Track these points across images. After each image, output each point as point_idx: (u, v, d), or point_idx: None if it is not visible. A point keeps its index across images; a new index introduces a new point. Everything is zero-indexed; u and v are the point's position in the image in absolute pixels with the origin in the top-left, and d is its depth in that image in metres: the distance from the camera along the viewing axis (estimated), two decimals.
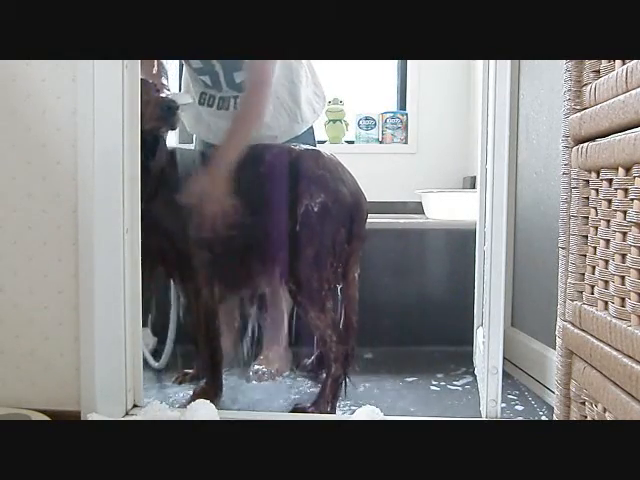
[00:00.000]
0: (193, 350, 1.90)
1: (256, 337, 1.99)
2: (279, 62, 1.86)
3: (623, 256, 0.82)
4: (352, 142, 3.51)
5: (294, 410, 1.64)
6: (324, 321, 1.65)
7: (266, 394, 1.79)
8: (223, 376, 1.75)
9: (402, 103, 3.55)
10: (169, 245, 1.66)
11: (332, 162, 1.72)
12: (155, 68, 1.82)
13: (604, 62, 0.90)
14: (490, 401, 1.49)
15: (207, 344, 1.72)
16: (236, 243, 1.67)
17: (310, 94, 1.98)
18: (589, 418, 0.93)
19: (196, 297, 1.70)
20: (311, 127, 2.02)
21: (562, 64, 1.04)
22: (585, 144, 0.94)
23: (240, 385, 1.86)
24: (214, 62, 1.85)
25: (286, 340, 2.03)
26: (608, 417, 0.85)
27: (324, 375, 1.71)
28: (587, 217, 0.96)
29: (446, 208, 2.64)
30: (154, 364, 1.98)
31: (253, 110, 1.79)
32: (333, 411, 1.63)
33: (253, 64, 1.77)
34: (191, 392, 1.73)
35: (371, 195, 1.85)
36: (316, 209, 1.63)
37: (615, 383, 0.82)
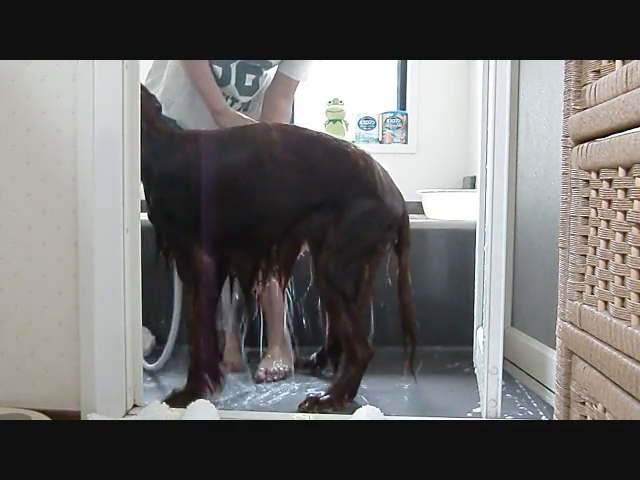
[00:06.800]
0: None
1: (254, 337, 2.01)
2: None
3: (623, 256, 0.82)
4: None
5: (307, 400, 1.63)
6: (351, 318, 1.66)
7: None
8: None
9: (402, 103, 3.55)
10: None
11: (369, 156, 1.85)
12: None
13: (604, 62, 0.90)
14: (490, 401, 1.49)
15: (195, 345, 1.69)
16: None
17: None
18: (589, 418, 0.93)
19: (194, 292, 1.69)
20: None
21: (562, 64, 1.04)
22: (585, 144, 0.94)
23: (250, 386, 1.86)
24: None
25: (288, 339, 2.03)
26: (608, 417, 0.85)
27: (329, 371, 1.78)
28: (587, 217, 0.96)
29: (446, 208, 2.64)
30: (148, 366, 1.91)
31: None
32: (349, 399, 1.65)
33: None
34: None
35: None
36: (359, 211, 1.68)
37: (615, 383, 0.82)
